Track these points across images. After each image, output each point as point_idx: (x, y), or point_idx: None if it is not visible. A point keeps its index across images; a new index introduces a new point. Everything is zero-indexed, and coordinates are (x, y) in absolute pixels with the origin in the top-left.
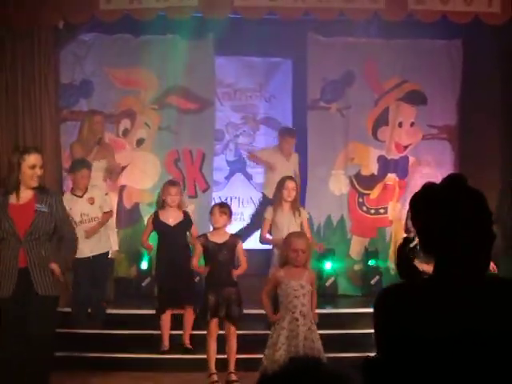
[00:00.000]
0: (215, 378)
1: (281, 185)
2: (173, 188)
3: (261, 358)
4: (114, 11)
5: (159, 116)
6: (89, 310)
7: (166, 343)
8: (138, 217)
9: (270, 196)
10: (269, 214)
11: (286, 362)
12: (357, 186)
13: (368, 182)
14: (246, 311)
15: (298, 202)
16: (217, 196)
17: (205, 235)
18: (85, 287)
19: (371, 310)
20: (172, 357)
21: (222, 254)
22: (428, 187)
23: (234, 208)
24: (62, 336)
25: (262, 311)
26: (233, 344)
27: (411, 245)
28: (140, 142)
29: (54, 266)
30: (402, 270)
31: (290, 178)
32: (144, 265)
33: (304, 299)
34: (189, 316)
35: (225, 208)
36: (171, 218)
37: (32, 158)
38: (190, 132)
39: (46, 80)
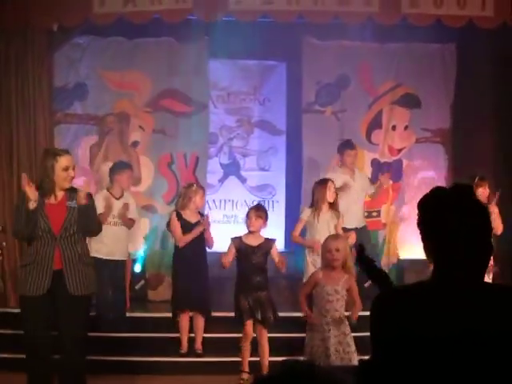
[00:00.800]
0: (247, 376)
1: (323, 186)
2: (200, 190)
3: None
4: (108, 14)
5: (153, 119)
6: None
7: (185, 346)
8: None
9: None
10: (305, 214)
11: (279, 365)
12: None
13: None
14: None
15: (337, 205)
16: (211, 199)
17: (239, 237)
18: (107, 289)
19: (366, 313)
20: (173, 360)
21: (255, 257)
22: (436, 193)
23: (227, 211)
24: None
25: (290, 314)
26: (266, 347)
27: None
28: (134, 145)
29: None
30: (372, 276)
31: (331, 180)
32: (137, 267)
33: (337, 304)
34: (199, 321)
35: (260, 211)
36: (192, 218)
37: (65, 160)
38: (184, 135)
39: (39, 83)
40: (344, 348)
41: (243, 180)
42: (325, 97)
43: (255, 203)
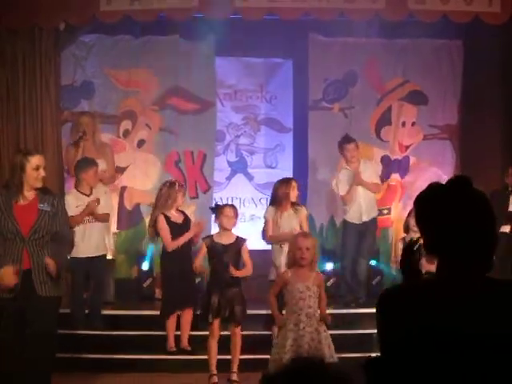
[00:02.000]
0: (216, 379)
1: (286, 185)
2: (182, 189)
3: (262, 359)
4: (114, 12)
5: (160, 117)
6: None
7: (172, 344)
8: (139, 218)
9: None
10: (270, 214)
11: (288, 362)
12: None
13: None
14: (248, 311)
15: (297, 201)
16: (218, 197)
17: (210, 236)
18: (81, 288)
19: (373, 310)
20: (173, 357)
21: (227, 256)
22: (433, 187)
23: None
24: (63, 337)
25: (264, 311)
26: (237, 344)
27: (415, 247)
28: (141, 143)
29: (49, 261)
30: (405, 271)
31: (293, 178)
32: (145, 265)
33: (310, 301)
34: (187, 317)
35: (236, 209)
36: (178, 219)
37: (35, 160)
38: (191, 133)
39: (46, 81)
40: (316, 345)
41: (250, 178)
42: (332, 94)
43: (230, 202)
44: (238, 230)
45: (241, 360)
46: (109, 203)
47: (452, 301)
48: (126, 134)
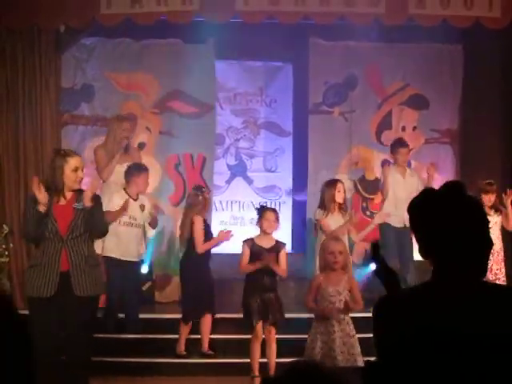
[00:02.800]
0: (258, 381)
1: (332, 187)
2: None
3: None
4: (114, 15)
5: (160, 120)
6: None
7: (183, 348)
8: None
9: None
10: (319, 215)
11: (287, 366)
12: (361, 191)
13: (372, 186)
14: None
15: (346, 205)
16: (217, 200)
17: (251, 239)
18: (118, 290)
19: (366, 314)
20: (173, 361)
21: (269, 257)
22: (426, 193)
23: (234, 212)
24: None
25: (297, 315)
26: (274, 347)
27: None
28: (141, 147)
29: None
30: (379, 274)
31: (340, 180)
32: (144, 269)
33: (340, 305)
34: (208, 322)
35: (277, 214)
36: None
37: (74, 161)
38: (191, 136)
39: (47, 84)
40: (348, 349)
41: (250, 181)
42: (332, 97)
43: (265, 204)
44: (238, 234)
45: (278, 364)
46: (151, 210)
47: (448, 303)
48: None
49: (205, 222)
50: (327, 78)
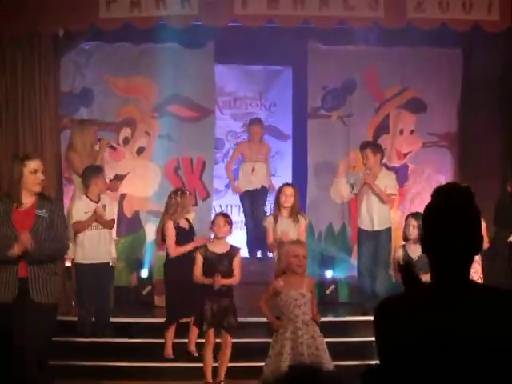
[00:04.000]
0: None
1: (279, 191)
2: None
3: (254, 367)
4: (114, 20)
5: (159, 124)
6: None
7: (170, 351)
8: (139, 225)
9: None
10: (268, 222)
11: (286, 370)
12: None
13: None
14: (241, 319)
15: (297, 209)
16: (217, 204)
17: (205, 246)
18: (88, 295)
19: (372, 317)
20: (172, 365)
21: (222, 265)
22: (436, 193)
23: (234, 216)
24: (62, 344)
25: (256, 319)
26: (227, 353)
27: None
28: (140, 151)
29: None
30: (406, 282)
31: (288, 184)
32: (144, 273)
33: (305, 308)
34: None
35: (228, 218)
36: (185, 225)
37: (33, 164)
38: (190, 140)
39: (46, 88)
40: (313, 352)
41: None
42: (331, 101)
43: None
44: (238, 239)
45: (234, 368)
46: (114, 210)
47: (449, 305)
48: (126, 141)
49: (178, 225)
50: (326, 82)
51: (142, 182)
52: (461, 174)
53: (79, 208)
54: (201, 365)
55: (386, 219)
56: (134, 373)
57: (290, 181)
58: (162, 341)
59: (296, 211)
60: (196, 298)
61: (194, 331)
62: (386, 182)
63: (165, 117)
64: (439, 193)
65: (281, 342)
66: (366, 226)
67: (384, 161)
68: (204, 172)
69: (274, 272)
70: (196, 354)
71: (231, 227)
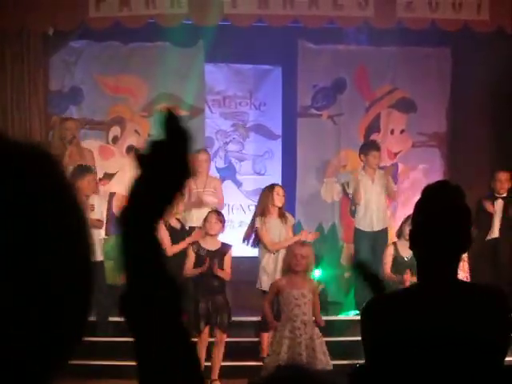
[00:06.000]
0: None
1: (270, 191)
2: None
3: (247, 366)
4: (103, 18)
5: (149, 123)
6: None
7: None
8: None
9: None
10: (258, 222)
11: (272, 370)
12: (349, 194)
13: None
14: (234, 318)
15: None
16: None
17: (197, 242)
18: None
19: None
20: None
21: (212, 262)
22: (424, 191)
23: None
24: None
25: (250, 318)
26: (220, 352)
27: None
28: (130, 150)
29: None
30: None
31: (278, 184)
32: None
33: (305, 308)
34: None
35: (220, 216)
36: (177, 225)
37: None
38: None
39: (35, 87)
40: (309, 353)
41: (239, 184)
42: (321, 101)
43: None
44: (227, 237)
45: (227, 367)
46: (102, 211)
47: (435, 305)
48: (115, 140)
49: (169, 225)
50: (316, 81)
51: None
52: (450, 173)
53: None
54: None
55: (384, 219)
56: (118, 372)
57: (279, 180)
58: None
59: (283, 211)
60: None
61: None
62: (383, 182)
63: (154, 115)
64: (429, 190)
65: (279, 340)
66: (364, 226)
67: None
68: None
69: (281, 271)
70: None
71: (223, 225)
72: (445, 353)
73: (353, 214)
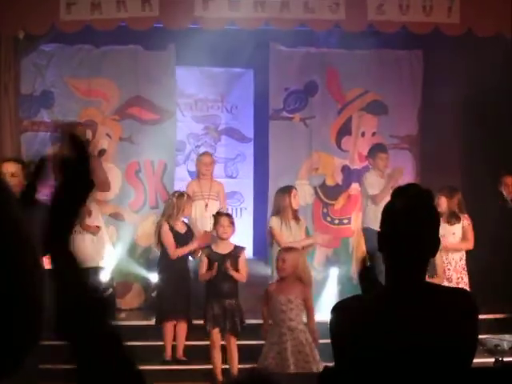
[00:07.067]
0: None
1: (287, 193)
2: (190, 200)
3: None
4: (74, 22)
5: (120, 127)
6: None
7: (169, 353)
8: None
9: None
10: (274, 223)
11: (236, 375)
12: (321, 197)
13: (333, 192)
14: (251, 321)
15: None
16: None
17: (209, 247)
18: None
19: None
20: (173, 368)
21: (226, 264)
22: (394, 193)
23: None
24: (61, 347)
25: (259, 321)
26: (234, 355)
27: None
28: (101, 153)
29: None
30: (362, 283)
31: (294, 186)
32: (104, 276)
33: (291, 314)
34: (183, 328)
35: (232, 218)
36: (182, 229)
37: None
38: (152, 143)
39: (6, 90)
40: (303, 357)
41: None
42: (293, 104)
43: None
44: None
45: (244, 370)
46: (99, 216)
47: (401, 309)
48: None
49: (173, 229)
50: (288, 84)
51: None
52: (422, 175)
53: None
54: (201, 367)
55: None
56: None
57: (251, 183)
58: (159, 343)
59: (297, 213)
60: (186, 303)
61: (181, 337)
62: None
63: (126, 119)
64: (399, 193)
65: (268, 346)
66: (375, 226)
67: (346, 163)
68: (165, 174)
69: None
70: (184, 359)
71: (234, 227)
72: (411, 355)
73: (325, 216)
